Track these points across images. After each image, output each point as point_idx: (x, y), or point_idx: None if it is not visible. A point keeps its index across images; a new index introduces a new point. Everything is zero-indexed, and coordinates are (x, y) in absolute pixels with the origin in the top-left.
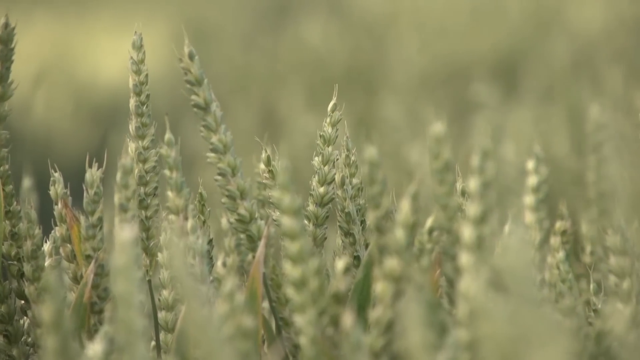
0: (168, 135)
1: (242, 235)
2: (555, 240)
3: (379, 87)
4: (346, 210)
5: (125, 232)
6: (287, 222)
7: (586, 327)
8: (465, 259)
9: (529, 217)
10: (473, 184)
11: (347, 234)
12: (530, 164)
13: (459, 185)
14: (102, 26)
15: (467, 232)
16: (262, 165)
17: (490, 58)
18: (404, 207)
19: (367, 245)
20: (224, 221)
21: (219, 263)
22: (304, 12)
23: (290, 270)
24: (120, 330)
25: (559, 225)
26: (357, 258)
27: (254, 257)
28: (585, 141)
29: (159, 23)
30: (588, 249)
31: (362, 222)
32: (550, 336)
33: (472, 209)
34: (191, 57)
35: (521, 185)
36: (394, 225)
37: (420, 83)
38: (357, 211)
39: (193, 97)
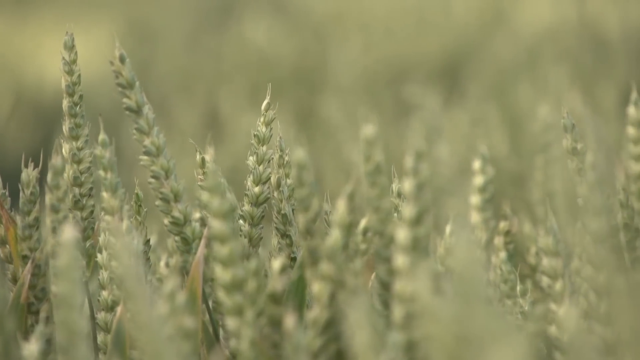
0: (102, 136)
1: (177, 238)
2: (498, 241)
3: (323, 87)
4: (282, 211)
5: (66, 233)
6: (216, 225)
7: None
8: (400, 260)
9: (475, 217)
10: (407, 185)
11: (284, 235)
12: (477, 164)
13: (395, 187)
14: (47, 27)
15: (402, 234)
16: (198, 167)
17: (435, 59)
18: (340, 207)
19: None
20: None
21: (161, 263)
22: (248, 11)
23: (221, 273)
24: (62, 331)
25: (502, 225)
26: (294, 259)
27: None
28: (527, 142)
29: (104, 24)
30: (533, 249)
31: None
32: (499, 336)
33: (407, 210)
34: (122, 59)
35: (460, 186)
36: (325, 227)
37: (364, 84)
38: (292, 212)
39: (125, 100)
